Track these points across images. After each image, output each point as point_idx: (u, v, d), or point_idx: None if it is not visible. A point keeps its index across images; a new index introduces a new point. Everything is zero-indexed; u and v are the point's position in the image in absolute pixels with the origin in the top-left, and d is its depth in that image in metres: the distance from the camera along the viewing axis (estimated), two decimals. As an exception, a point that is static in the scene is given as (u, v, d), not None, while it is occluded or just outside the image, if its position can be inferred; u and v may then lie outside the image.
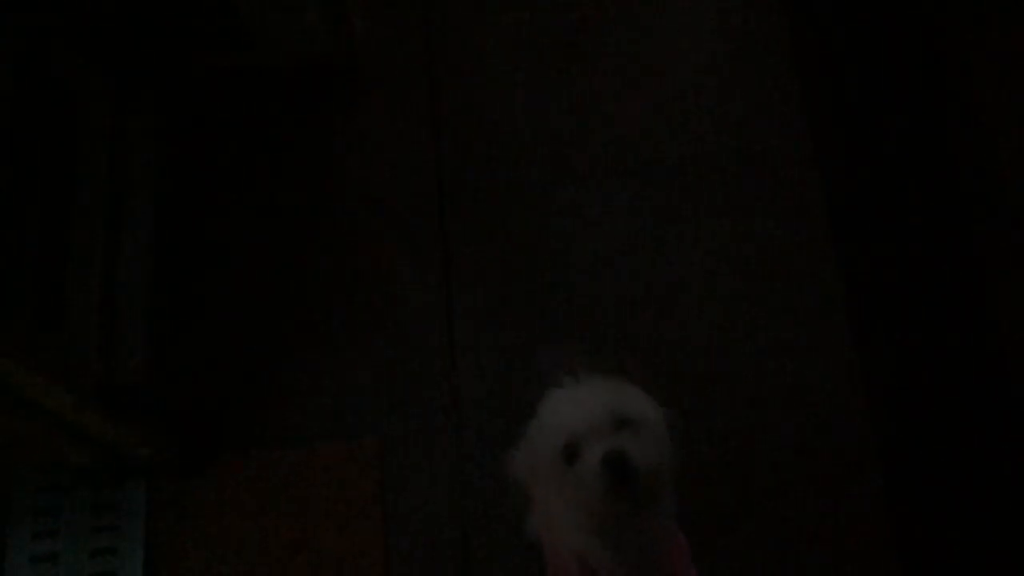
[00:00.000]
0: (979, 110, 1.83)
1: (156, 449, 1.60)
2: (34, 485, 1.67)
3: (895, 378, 1.75)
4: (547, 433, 1.07)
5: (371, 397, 1.76)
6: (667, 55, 1.99)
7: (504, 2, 2.05)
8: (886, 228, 1.85)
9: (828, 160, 1.91)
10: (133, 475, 1.67)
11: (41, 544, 1.64)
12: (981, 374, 1.73)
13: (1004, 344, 1.72)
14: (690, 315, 1.78)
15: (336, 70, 1.95)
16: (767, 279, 1.81)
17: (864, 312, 1.79)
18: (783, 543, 1.62)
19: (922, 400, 1.73)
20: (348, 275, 1.84)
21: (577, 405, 1.07)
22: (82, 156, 1.53)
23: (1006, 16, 1.71)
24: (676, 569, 1.19)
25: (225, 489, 1.68)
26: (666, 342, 1.76)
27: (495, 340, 1.79)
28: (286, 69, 1.90)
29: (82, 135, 1.55)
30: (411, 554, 1.65)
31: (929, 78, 1.94)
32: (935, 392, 1.73)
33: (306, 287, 1.84)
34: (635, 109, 1.95)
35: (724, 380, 1.73)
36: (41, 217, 1.47)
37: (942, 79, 1.93)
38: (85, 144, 1.55)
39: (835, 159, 1.92)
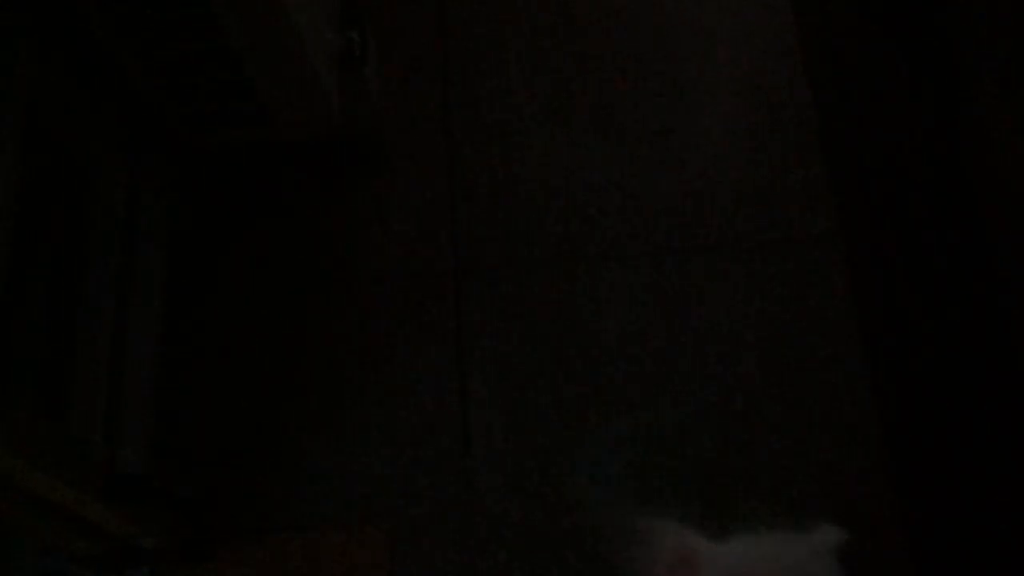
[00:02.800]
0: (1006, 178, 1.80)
1: (161, 538, 1.56)
2: (35, 571, 1.63)
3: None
4: None
5: (381, 482, 1.71)
6: (695, 131, 1.96)
7: (528, 74, 2.03)
8: (915, 320, 1.80)
9: (853, 239, 1.87)
10: (137, 561, 1.63)
11: (41, 634, 1.60)
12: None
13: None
14: (710, 401, 1.73)
15: (354, 145, 1.93)
16: (788, 364, 1.76)
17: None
18: None
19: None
20: (359, 355, 1.81)
21: None
22: (92, 242, 1.51)
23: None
24: None
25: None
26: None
27: (510, 424, 1.74)
28: (302, 144, 1.87)
29: (92, 219, 1.53)
30: (420, 649, 1.60)
31: (957, 150, 1.90)
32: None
33: (315, 369, 1.80)
34: (659, 187, 1.91)
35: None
36: (47, 304, 1.45)
37: (970, 152, 1.89)
38: (95, 229, 1.52)
39: (860, 236, 1.88)
